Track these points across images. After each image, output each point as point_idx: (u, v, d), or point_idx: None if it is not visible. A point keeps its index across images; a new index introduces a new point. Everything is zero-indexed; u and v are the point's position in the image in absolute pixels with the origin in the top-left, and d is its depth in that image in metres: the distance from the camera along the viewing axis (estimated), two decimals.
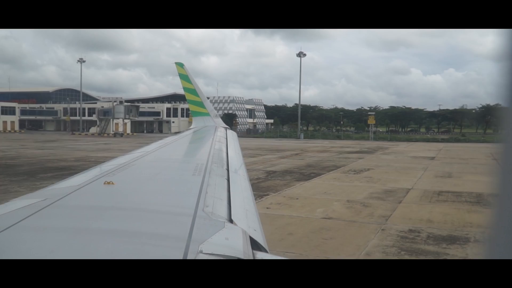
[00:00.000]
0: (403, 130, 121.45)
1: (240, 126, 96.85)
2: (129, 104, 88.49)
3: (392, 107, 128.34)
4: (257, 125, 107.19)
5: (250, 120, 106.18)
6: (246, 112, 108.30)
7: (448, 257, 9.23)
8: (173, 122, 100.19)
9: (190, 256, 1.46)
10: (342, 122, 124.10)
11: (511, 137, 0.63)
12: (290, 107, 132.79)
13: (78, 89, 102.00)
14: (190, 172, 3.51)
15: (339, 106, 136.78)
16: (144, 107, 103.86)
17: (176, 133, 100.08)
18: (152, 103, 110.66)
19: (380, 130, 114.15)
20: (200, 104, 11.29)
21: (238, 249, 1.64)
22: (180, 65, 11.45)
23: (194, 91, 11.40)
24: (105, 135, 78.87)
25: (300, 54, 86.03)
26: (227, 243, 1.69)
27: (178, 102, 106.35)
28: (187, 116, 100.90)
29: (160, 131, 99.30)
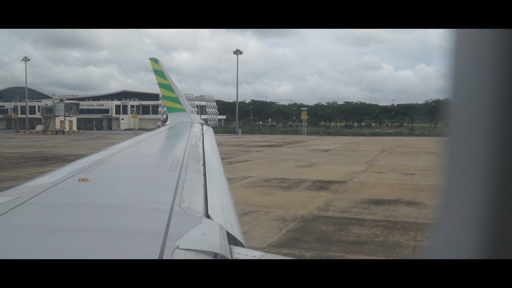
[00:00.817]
0: (359, 125, 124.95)
1: None
2: (69, 102, 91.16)
3: (346, 103, 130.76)
4: (208, 121, 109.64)
5: (202, 116, 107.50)
6: (195, 108, 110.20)
7: None
8: (122, 119, 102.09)
9: (166, 252, 1.46)
10: (294, 118, 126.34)
11: (454, 131, 0.64)
12: (247, 103, 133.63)
13: (30, 87, 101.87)
14: (166, 168, 3.50)
15: (313, 102, 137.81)
16: (93, 104, 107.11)
17: (125, 129, 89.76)
18: (103, 100, 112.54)
19: (333, 125, 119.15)
20: (176, 100, 11.18)
21: (215, 244, 1.65)
22: (155, 60, 11.35)
23: (169, 87, 11.29)
24: (49, 132, 79.91)
25: (237, 52, 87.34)
26: (204, 238, 1.70)
27: (128, 99, 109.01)
28: (137, 113, 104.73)
29: (109, 128, 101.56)
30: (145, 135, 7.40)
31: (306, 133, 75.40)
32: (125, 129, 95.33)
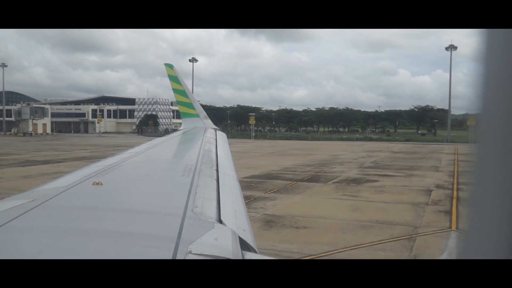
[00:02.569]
0: (344, 130, 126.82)
1: (161, 126, 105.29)
2: (36, 106, 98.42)
3: (331, 108, 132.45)
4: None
5: (177, 120, 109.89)
6: (171, 113, 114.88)
7: None
8: (98, 122, 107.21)
9: (179, 256, 1.46)
10: (274, 123, 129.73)
11: (483, 136, 0.64)
12: (229, 107, 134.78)
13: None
14: (180, 172, 3.50)
15: (328, 107, 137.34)
16: (71, 108, 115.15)
17: (102, 133, 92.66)
18: (84, 104, 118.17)
19: (321, 130, 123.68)
20: (190, 105, 11.24)
21: (227, 250, 1.64)
22: (169, 66, 11.40)
23: (183, 92, 11.36)
24: (21, 134, 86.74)
25: (192, 60, 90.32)
26: (216, 243, 1.70)
27: (106, 104, 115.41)
28: (114, 117, 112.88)
29: (86, 131, 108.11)
30: (159, 139, 7.50)
31: (254, 137, 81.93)
32: (102, 132, 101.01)
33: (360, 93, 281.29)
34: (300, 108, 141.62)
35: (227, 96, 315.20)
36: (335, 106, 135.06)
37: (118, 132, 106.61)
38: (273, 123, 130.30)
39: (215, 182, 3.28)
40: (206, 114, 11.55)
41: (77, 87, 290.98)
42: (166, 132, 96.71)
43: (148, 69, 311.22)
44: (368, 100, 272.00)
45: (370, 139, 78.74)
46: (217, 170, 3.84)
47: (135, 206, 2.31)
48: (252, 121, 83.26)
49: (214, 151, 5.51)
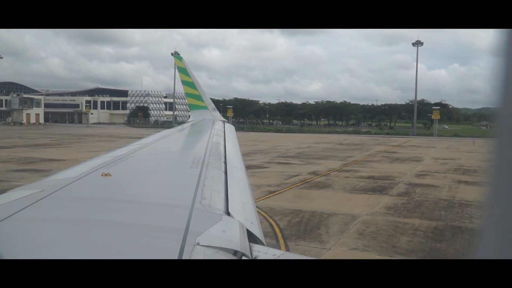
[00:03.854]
0: (342, 123, 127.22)
1: (152, 117, 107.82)
2: (26, 96, 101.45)
3: (328, 102, 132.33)
4: (177, 117, 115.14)
5: (169, 113, 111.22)
6: (163, 105, 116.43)
7: None
8: (92, 113, 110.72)
9: (187, 248, 1.46)
10: (268, 115, 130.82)
11: (505, 135, 0.62)
12: (227, 100, 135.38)
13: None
14: (188, 164, 3.49)
15: (345, 100, 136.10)
16: (66, 99, 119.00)
17: (93, 123, 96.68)
18: (79, 96, 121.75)
19: (317, 123, 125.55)
20: (198, 98, 11.14)
21: (235, 242, 1.64)
22: (178, 58, 11.34)
23: (192, 84, 11.26)
24: (12, 124, 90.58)
25: (174, 54, 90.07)
26: (224, 235, 1.69)
27: (100, 95, 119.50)
28: (108, 108, 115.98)
29: (80, 121, 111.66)
30: (168, 131, 7.49)
31: (243, 130, 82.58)
32: (94, 123, 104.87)
33: (376, 87, 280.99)
34: (312, 102, 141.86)
35: (242, 89, 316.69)
36: (349, 100, 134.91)
37: (110, 123, 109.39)
38: (267, 116, 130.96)
39: (223, 174, 3.27)
40: (214, 106, 11.52)
41: (93, 78, 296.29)
42: (156, 123, 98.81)
43: (162, 61, 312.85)
44: (383, 93, 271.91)
45: (348, 132, 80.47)
46: (225, 163, 3.84)
47: (143, 198, 2.30)
48: (230, 113, 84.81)
49: (222, 143, 5.50)
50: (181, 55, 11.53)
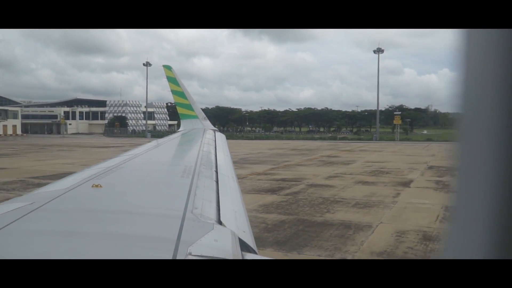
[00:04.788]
0: (324, 130, 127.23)
1: (130, 127, 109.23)
2: (0, 108, 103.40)
3: (309, 108, 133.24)
4: (156, 127, 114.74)
5: (149, 122, 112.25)
6: (141, 114, 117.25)
7: None
8: (70, 124, 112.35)
9: (179, 258, 1.46)
10: (247, 123, 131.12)
11: (465, 134, 0.64)
12: (210, 109, 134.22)
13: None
14: (179, 174, 3.49)
15: (336, 107, 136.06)
16: (45, 110, 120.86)
17: (74, 134, 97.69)
18: (58, 107, 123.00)
19: (300, 130, 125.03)
20: (189, 107, 11.20)
21: (227, 251, 1.64)
22: (168, 68, 11.35)
23: (182, 94, 11.30)
24: None
25: (146, 64, 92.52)
26: (216, 244, 1.69)
27: (79, 106, 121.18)
28: (87, 118, 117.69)
29: (58, 132, 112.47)
30: (159, 141, 7.48)
31: None
32: (73, 133, 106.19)
33: (367, 93, 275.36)
34: (296, 109, 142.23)
35: (234, 97, 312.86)
36: (341, 107, 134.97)
37: (89, 133, 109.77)
38: (247, 123, 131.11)
39: (214, 183, 3.27)
40: (205, 116, 11.56)
41: (84, 89, 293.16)
42: (133, 133, 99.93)
43: (153, 70, 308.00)
44: (374, 99, 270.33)
45: (324, 139, 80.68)
46: (217, 171, 3.84)
47: (134, 208, 2.29)
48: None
49: (213, 152, 5.50)
50: (171, 64, 11.59)
